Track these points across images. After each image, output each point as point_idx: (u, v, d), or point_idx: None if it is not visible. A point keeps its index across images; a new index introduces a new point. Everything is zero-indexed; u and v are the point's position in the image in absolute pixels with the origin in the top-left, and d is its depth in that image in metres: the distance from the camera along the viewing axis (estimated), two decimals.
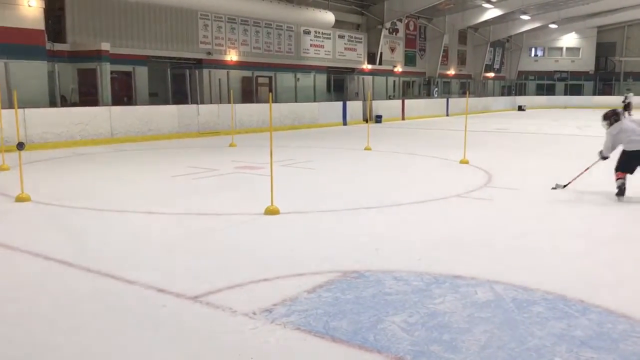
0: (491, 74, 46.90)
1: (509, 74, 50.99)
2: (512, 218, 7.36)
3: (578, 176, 8.98)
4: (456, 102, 34.57)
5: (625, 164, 8.23)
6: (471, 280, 4.84)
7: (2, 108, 11.28)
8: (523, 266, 5.30)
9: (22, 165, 8.40)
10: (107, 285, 4.77)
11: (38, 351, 3.59)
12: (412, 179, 10.71)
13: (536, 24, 43.88)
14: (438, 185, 9.73)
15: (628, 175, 8.28)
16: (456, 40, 42.68)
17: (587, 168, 8.96)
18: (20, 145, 8.37)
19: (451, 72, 41.87)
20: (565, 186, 8.91)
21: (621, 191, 8.24)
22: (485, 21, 40.23)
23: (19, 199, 8.02)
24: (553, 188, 8.95)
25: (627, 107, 29.46)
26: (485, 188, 9.33)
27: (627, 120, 8.48)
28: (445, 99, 34.88)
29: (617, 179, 8.29)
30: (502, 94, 45.25)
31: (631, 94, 31.38)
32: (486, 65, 46.15)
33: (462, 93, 39.50)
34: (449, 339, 3.70)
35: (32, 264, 5.35)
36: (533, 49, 51.75)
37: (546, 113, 37.42)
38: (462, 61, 44.08)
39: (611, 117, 8.44)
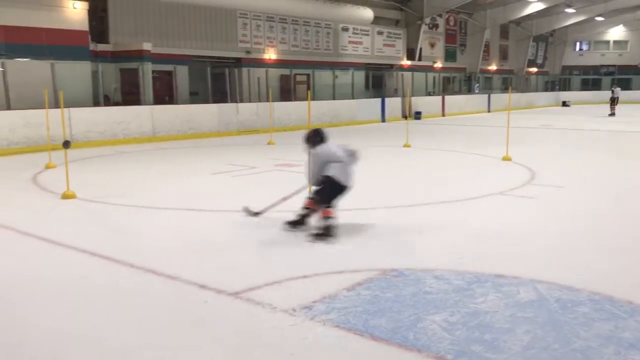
0: (534, 69, 45.88)
1: (552, 69, 49.78)
2: (556, 216, 7.19)
3: (273, 205, 6.99)
4: (498, 98, 33.96)
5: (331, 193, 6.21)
6: (513, 279, 4.74)
7: (49, 108, 11.60)
8: (567, 265, 5.17)
9: (68, 163, 8.62)
10: (150, 280, 4.86)
11: (87, 343, 3.68)
12: (452, 176, 10.57)
13: (581, 17, 42.67)
14: (479, 183, 9.57)
15: None
16: (498, 34, 41.90)
17: (285, 198, 6.98)
18: (66, 144, 8.60)
19: (492, 67, 41.14)
20: (257, 214, 6.93)
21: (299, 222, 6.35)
22: (528, 15, 39.33)
23: (65, 196, 8.24)
24: (243, 211, 6.96)
25: (614, 101, 28.41)
26: (528, 185, 9.14)
27: (331, 144, 6.46)
28: (486, 95, 34.32)
29: (309, 209, 6.28)
30: (546, 90, 44.23)
31: (618, 89, 30.01)
32: (529, 60, 45.16)
33: (504, 89, 38.75)
34: (491, 338, 3.64)
35: (79, 260, 5.49)
36: (578, 43, 50.37)
37: (592, 109, 36.42)
38: (503, 56, 43.25)
39: (314, 139, 6.41)
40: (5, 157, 13.21)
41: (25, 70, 15.56)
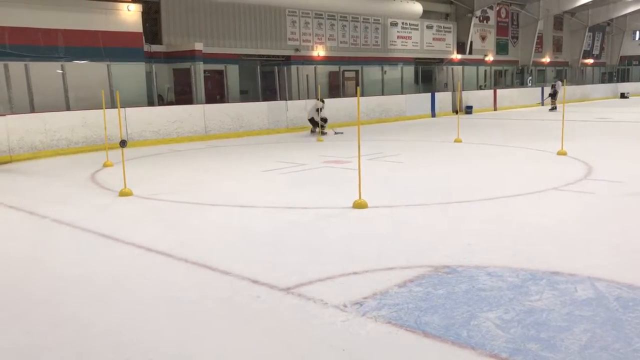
0: (590, 60, 44.38)
1: (609, 60, 48.02)
2: (615, 212, 6.95)
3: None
4: None
5: None
6: (570, 276, 4.62)
7: (106, 108, 11.99)
8: (627, 263, 5.00)
9: (125, 161, 8.89)
10: (203, 275, 4.97)
11: (142, 335, 3.80)
12: (505, 171, 10.36)
13: None
14: (534, 178, 9.35)
15: None
16: (551, 26, 40.73)
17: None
18: (123, 143, 8.88)
19: (546, 59, 40.02)
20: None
21: None
22: (584, 4, 38.05)
23: (122, 194, 8.51)
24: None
25: (554, 96, 26.50)
26: (585, 181, 8.87)
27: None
28: (539, 88, 33.41)
29: None
30: (603, 81, 42.68)
31: (559, 83, 27.60)
32: (584, 51, 43.71)
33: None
34: (547, 337, 3.56)
35: (136, 255, 5.66)
36: (638, 32, 48.38)
37: None
38: (557, 48, 42.02)
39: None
40: (65, 157, 13.73)
41: (83, 72, 16.11)
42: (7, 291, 4.73)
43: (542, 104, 27.02)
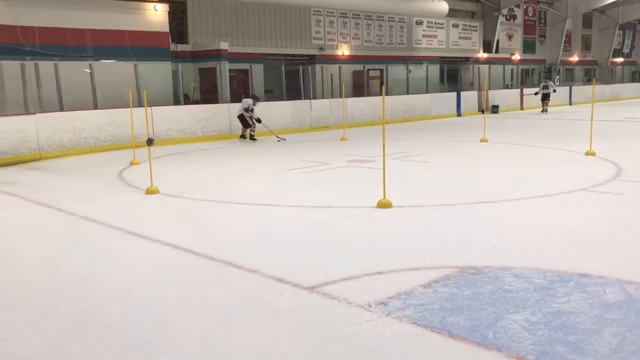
0: (620, 59, 43.49)
1: None
2: None
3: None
4: (580, 90, 32.49)
5: None
6: (599, 279, 4.54)
7: (132, 107, 12.13)
8: None
9: (151, 159, 8.99)
10: (229, 273, 5.00)
11: (168, 333, 3.84)
12: (532, 171, 10.23)
13: None
14: (561, 179, 9.22)
15: None
16: (580, 24, 40.04)
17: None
18: (150, 141, 8.98)
19: (574, 58, 39.37)
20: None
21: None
22: (614, 2, 37.33)
23: (149, 192, 8.61)
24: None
25: (546, 97, 25.18)
26: (614, 182, 8.71)
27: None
28: (567, 87, 32.91)
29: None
30: (633, 81, 41.81)
31: (551, 82, 26.09)
32: (614, 49, 42.86)
33: (587, 80, 37.01)
34: (575, 340, 3.50)
35: (162, 252, 5.72)
36: None
37: None
38: (586, 46, 41.29)
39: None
40: (93, 155, 13.94)
41: (111, 71, 16.32)
42: (37, 287, 4.82)
43: (535, 94, 25.75)
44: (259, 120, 15.75)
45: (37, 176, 11.17)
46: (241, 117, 15.88)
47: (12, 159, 12.61)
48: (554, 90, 26.22)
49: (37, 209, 8.00)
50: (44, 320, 4.11)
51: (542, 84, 26.10)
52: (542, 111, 25.55)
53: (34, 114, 13.50)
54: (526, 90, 28.21)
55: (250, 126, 15.85)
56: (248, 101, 15.82)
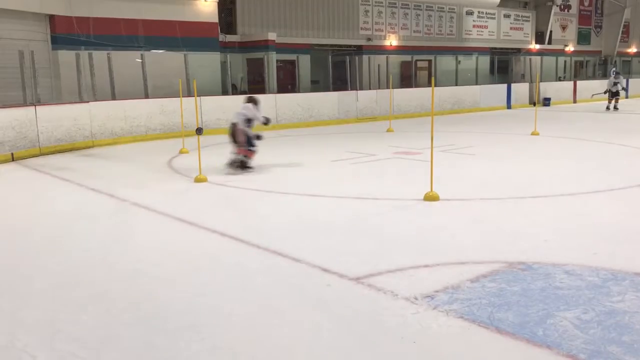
0: None
1: None
2: None
3: None
4: (638, 83, 31.28)
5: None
6: None
7: (182, 96, 12.35)
8: None
9: (200, 148, 9.13)
10: (275, 261, 5.04)
11: (215, 318, 3.90)
12: (586, 166, 9.92)
13: None
14: (616, 174, 8.90)
15: None
16: (639, 14, 38.51)
17: None
18: (199, 131, 9.11)
19: (632, 49, 37.90)
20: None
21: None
22: None
23: (197, 180, 8.75)
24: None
25: (615, 93, 22.23)
26: None
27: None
28: (624, 80, 31.73)
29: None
30: None
31: (620, 77, 22.82)
32: None
33: None
34: (630, 340, 3.39)
35: (210, 240, 5.81)
36: None
37: None
38: None
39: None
40: (144, 143, 14.27)
41: (161, 61, 16.66)
42: (88, 271, 4.97)
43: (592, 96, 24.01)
44: (258, 137, 9.83)
45: (90, 163, 11.51)
46: (235, 132, 9.59)
47: (67, 146, 13.03)
48: (623, 88, 23.35)
49: (90, 194, 8.24)
50: (96, 302, 4.24)
51: (613, 79, 22.81)
52: (613, 108, 22.34)
53: (88, 102, 13.90)
54: (593, 90, 25.95)
55: (246, 148, 9.62)
56: (249, 107, 9.77)
